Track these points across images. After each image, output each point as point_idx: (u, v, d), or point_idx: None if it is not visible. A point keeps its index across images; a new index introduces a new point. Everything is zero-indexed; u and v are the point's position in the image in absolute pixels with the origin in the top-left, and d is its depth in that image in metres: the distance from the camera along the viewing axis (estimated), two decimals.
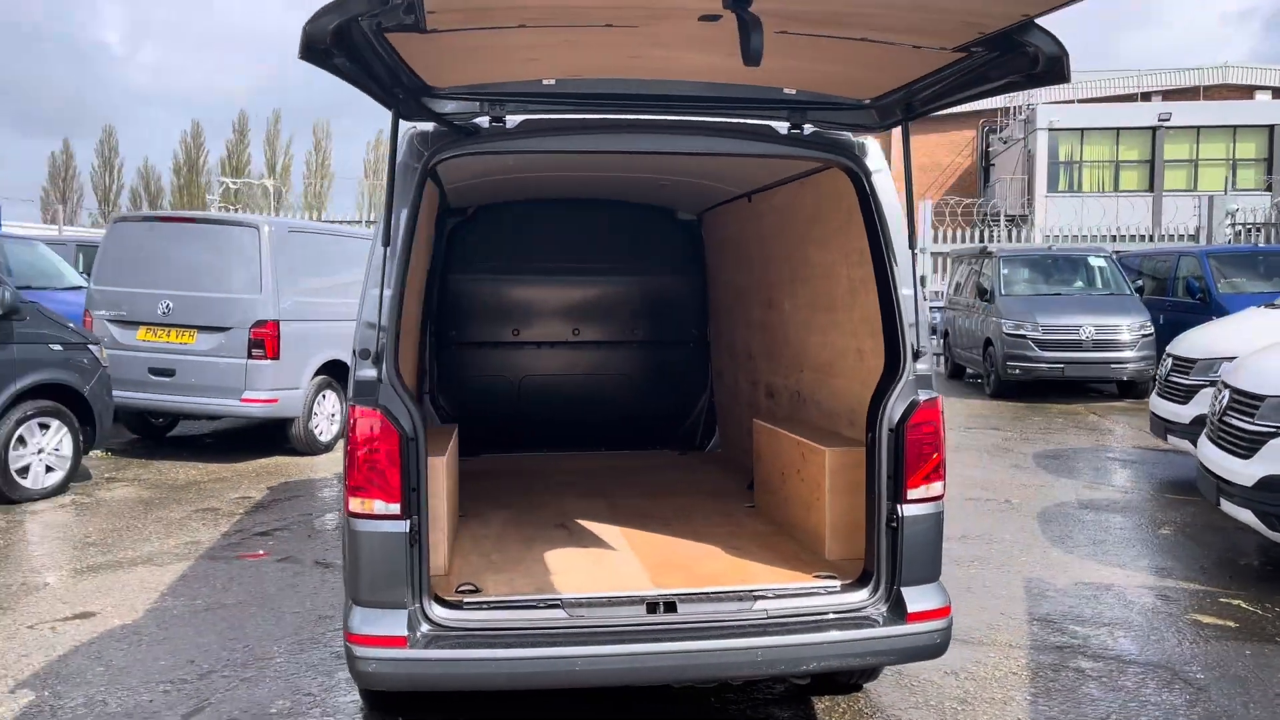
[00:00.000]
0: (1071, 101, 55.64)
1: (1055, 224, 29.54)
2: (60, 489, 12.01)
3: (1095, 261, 23.33)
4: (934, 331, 28.67)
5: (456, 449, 6.76)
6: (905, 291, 5.42)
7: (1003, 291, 22.34)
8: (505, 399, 9.77)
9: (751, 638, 5.01)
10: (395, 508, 4.90)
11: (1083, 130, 52.73)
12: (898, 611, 5.21)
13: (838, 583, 5.47)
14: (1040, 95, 56.59)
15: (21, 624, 7.60)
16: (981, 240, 27.73)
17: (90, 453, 12.92)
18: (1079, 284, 23.17)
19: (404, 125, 5.21)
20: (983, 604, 8.27)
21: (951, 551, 9.90)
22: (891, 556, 5.28)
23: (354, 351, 5.05)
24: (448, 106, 5.04)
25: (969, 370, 24.92)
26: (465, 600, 5.18)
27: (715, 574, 5.72)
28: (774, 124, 5.39)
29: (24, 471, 11.60)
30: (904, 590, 5.24)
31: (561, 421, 9.81)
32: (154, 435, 15.96)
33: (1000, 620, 7.84)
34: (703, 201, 9.09)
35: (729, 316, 9.17)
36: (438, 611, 4.98)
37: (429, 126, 5.22)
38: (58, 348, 11.87)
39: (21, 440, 11.56)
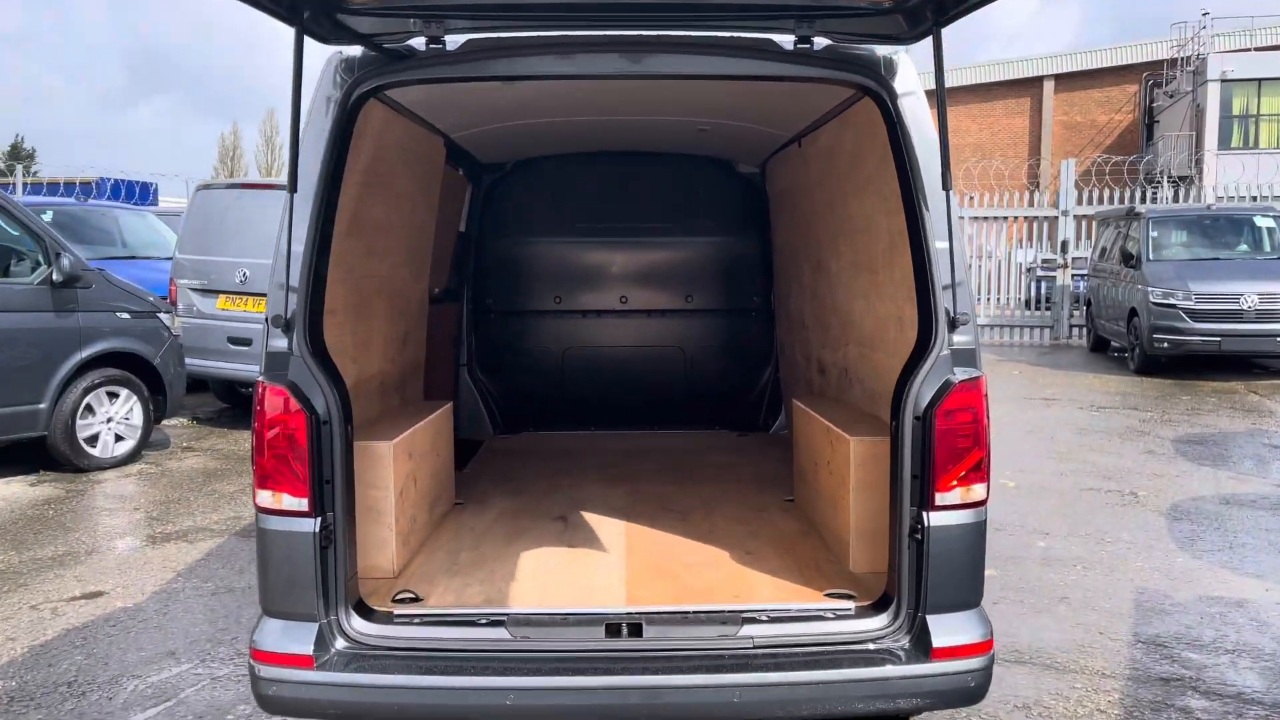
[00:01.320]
0: (1248, 49, 50.73)
1: (1226, 184, 26.62)
2: (131, 458, 11.98)
3: (1263, 222, 20.77)
4: (1076, 301, 26.37)
5: (439, 432, 6.00)
6: (939, 244, 4.30)
7: (1150, 256, 20.15)
8: (547, 373, 8.98)
9: (730, 673, 4.06)
10: (303, 503, 4.16)
11: (1260, 81, 48.04)
12: (921, 645, 4.16)
13: (852, 605, 4.45)
14: (1213, 44, 51.87)
15: (26, 603, 7.32)
16: (1142, 201, 25.23)
17: (167, 421, 12.89)
18: (1242, 247, 20.70)
19: (330, 51, 4.44)
20: (1078, 618, 7.01)
21: (1053, 550, 8.60)
22: (915, 575, 4.22)
23: (265, 319, 4.32)
24: (370, 25, 4.20)
25: (1113, 344, 22.75)
26: (396, 613, 4.41)
27: (707, 587, 4.77)
28: (777, 37, 4.34)
29: (93, 440, 11.59)
30: (929, 619, 4.17)
31: (607, 398, 8.97)
32: (242, 404, 15.98)
33: (1096, 641, 6.59)
34: (760, 151, 8.01)
35: (787, 281, 8.09)
36: (358, 626, 4.23)
37: (357, 51, 4.42)
38: (125, 316, 11.78)
39: (90, 409, 11.53)
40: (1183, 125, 50.33)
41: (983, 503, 4.30)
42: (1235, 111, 49.01)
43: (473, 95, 5.72)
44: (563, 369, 8.99)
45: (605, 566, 5.07)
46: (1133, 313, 20.20)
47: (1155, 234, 20.58)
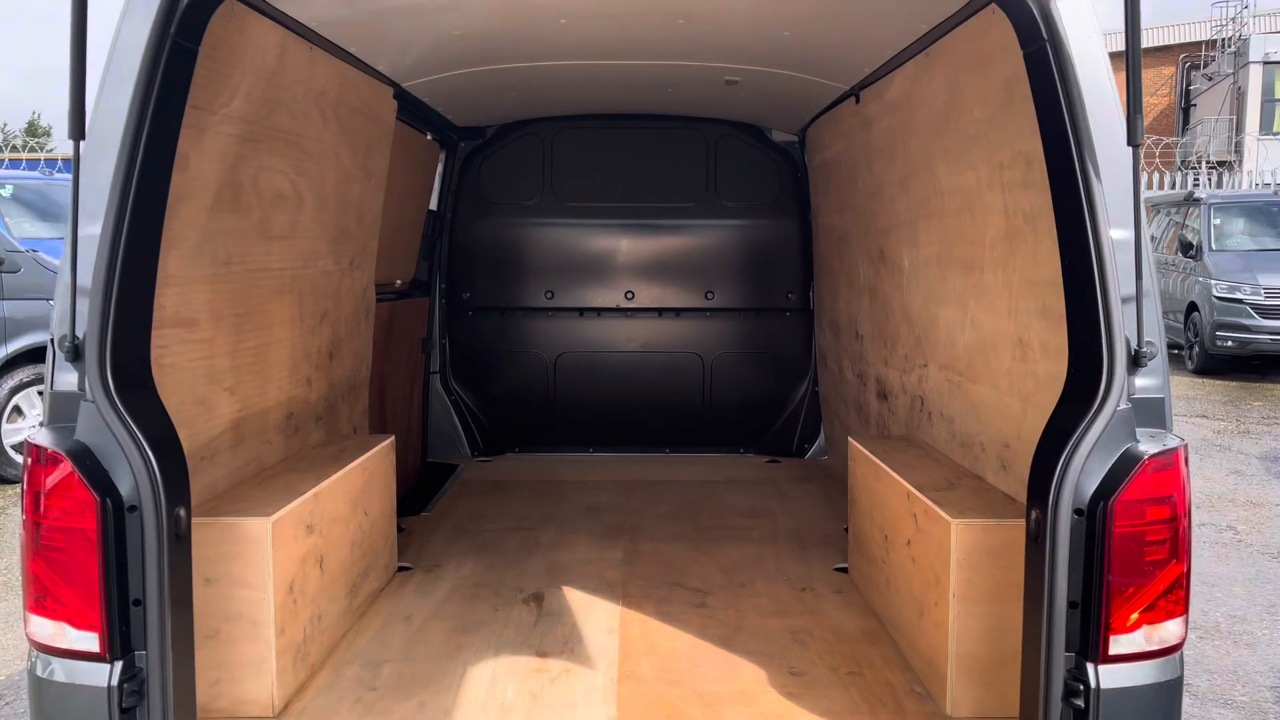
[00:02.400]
0: None
1: (1268, 169, 24.80)
2: None
3: None
4: None
5: (371, 482, 4.43)
6: (1118, 234, 2.70)
7: (1213, 246, 18.37)
8: (536, 383, 7.41)
9: None
10: (92, 638, 2.61)
11: None
12: None
13: None
14: (1256, 25, 49.76)
15: None
16: (1192, 186, 23.41)
17: None
18: None
19: None
20: (1202, 714, 5.41)
21: None
22: None
23: (50, 341, 2.76)
24: None
25: (1167, 340, 20.98)
26: None
27: None
28: None
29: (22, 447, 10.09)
30: None
31: (608, 414, 7.39)
32: None
33: None
34: (801, 110, 6.39)
35: (834, 276, 6.47)
36: None
37: None
38: None
39: (19, 411, 10.04)
40: (1222, 109, 48.30)
41: (1178, 647, 2.72)
42: (1278, 95, 47.00)
43: (416, 20, 4.14)
44: (555, 379, 7.41)
45: (587, 700, 3.50)
46: (1191, 308, 18.45)
47: (1218, 221, 18.80)
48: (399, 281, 6.76)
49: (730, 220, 7.29)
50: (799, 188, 7.22)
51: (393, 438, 4.78)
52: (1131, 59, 2.56)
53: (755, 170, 7.26)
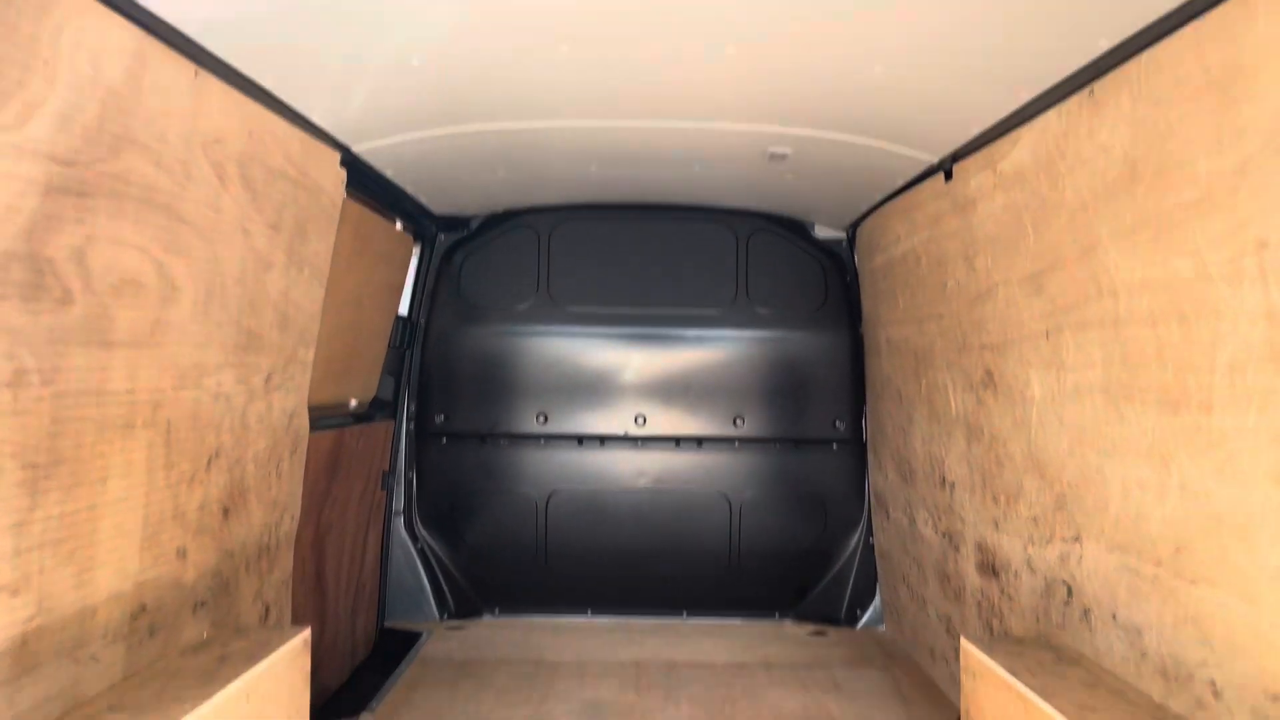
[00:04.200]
0: None
1: None
2: None
3: None
4: None
5: (265, 709, 2.95)
6: None
7: None
8: (522, 526, 5.98)
9: None
10: None
11: None
12: None
13: None
14: None
15: None
16: None
17: None
18: None
19: None
20: None
21: None
22: None
23: None
24: None
25: None
26: None
27: None
28: None
29: None
30: None
31: (611, 567, 5.95)
32: None
33: None
34: (858, 197, 5.16)
35: (903, 404, 5.10)
36: None
37: None
38: None
39: None
40: None
41: None
42: None
43: (357, 37, 2.89)
44: (546, 522, 5.98)
45: None
46: None
47: None
48: (353, 402, 5.40)
49: (764, 331, 5.98)
50: (848, 293, 5.94)
51: (307, 632, 3.33)
52: None
53: (795, 272, 5.99)
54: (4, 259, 2.13)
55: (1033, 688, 2.79)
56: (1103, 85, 2.79)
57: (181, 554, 3.06)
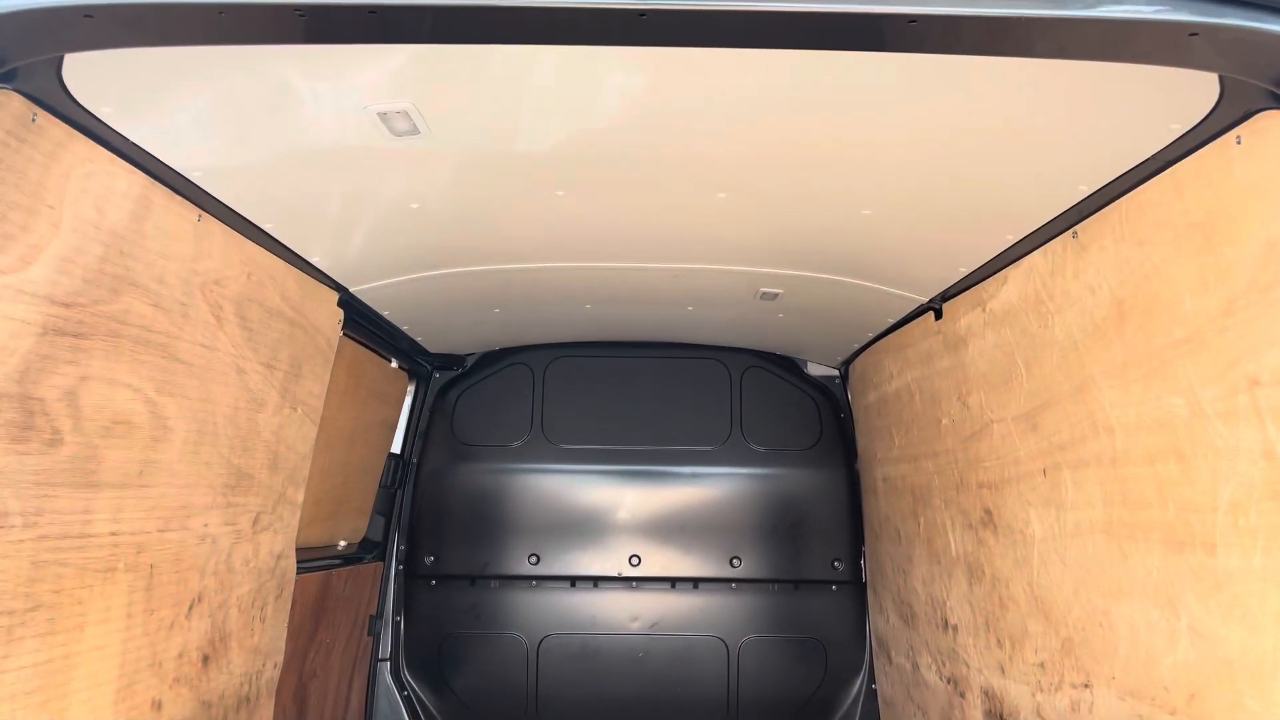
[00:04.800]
0: None
1: None
2: None
3: None
4: None
5: None
6: None
7: None
8: (513, 672, 5.78)
9: None
10: None
11: None
12: None
13: None
14: None
15: None
16: None
17: None
18: None
19: None
20: None
21: None
22: None
23: None
24: None
25: None
26: None
27: None
28: None
29: None
30: None
31: (606, 714, 5.72)
32: None
33: None
34: (850, 335, 5.22)
35: (902, 544, 5.03)
36: None
37: None
38: None
39: None
40: None
41: None
42: None
43: (354, 184, 2.97)
44: (537, 668, 5.78)
45: None
46: None
47: None
48: (342, 543, 5.31)
49: (759, 469, 5.94)
50: (842, 431, 5.93)
51: None
52: None
53: (789, 409, 5.99)
54: None
55: None
56: (1085, 228, 2.86)
57: (156, 706, 2.94)
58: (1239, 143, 2.13)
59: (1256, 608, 2.26)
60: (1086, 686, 3.09)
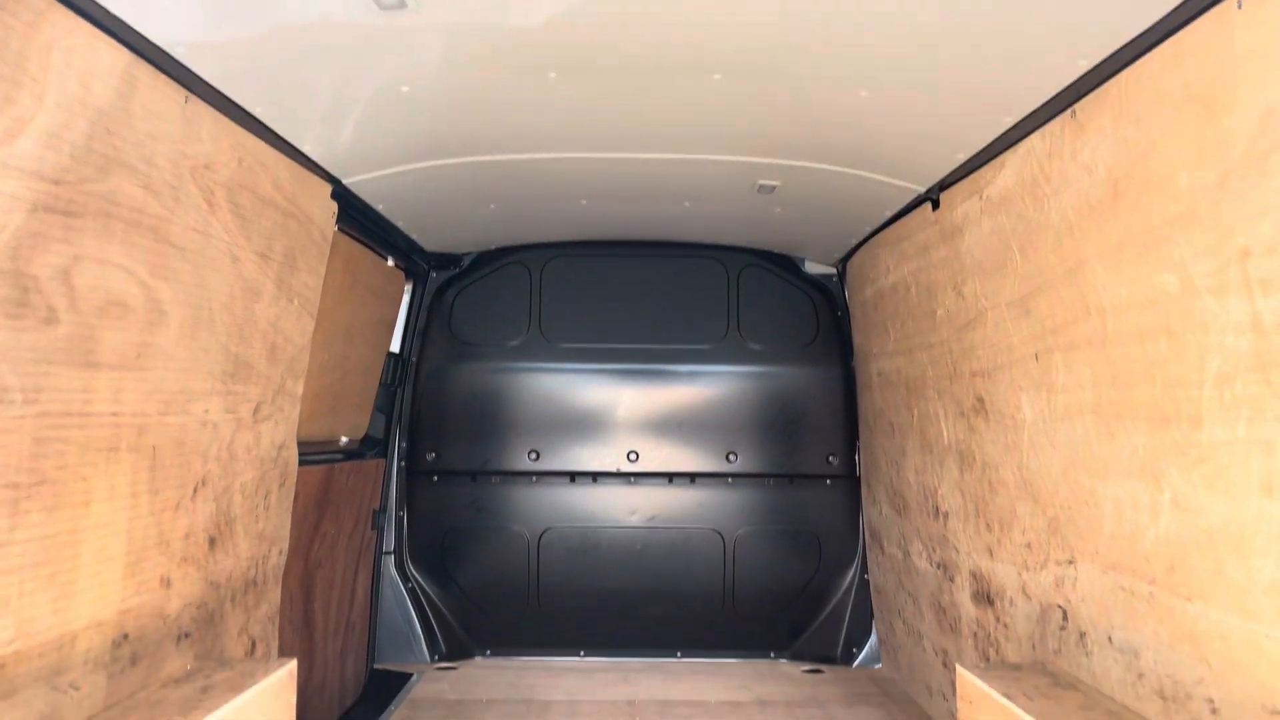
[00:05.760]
0: None
1: None
2: None
3: None
4: None
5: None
6: None
7: None
8: (514, 565, 5.91)
9: None
10: None
11: None
12: None
13: None
14: None
15: None
16: None
17: None
18: None
19: None
20: None
21: None
22: None
23: None
24: None
25: None
26: None
27: None
28: None
29: None
30: None
31: (604, 606, 5.88)
32: None
33: None
34: (847, 230, 5.19)
35: (895, 435, 5.09)
36: None
37: None
38: None
39: None
40: None
41: None
42: None
43: (344, 64, 2.92)
44: (538, 561, 5.92)
45: None
46: None
47: None
48: (344, 439, 5.37)
49: (756, 366, 5.98)
50: (839, 328, 5.95)
51: (293, 664, 3.27)
52: None
53: (786, 307, 6.01)
54: None
55: (1030, 712, 2.74)
56: (1084, 106, 2.82)
57: (165, 583, 3.02)
58: (1240, 7, 2.09)
59: (1239, 478, 2.30)
60: (1070, 563, 3.17)
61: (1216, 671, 2.40)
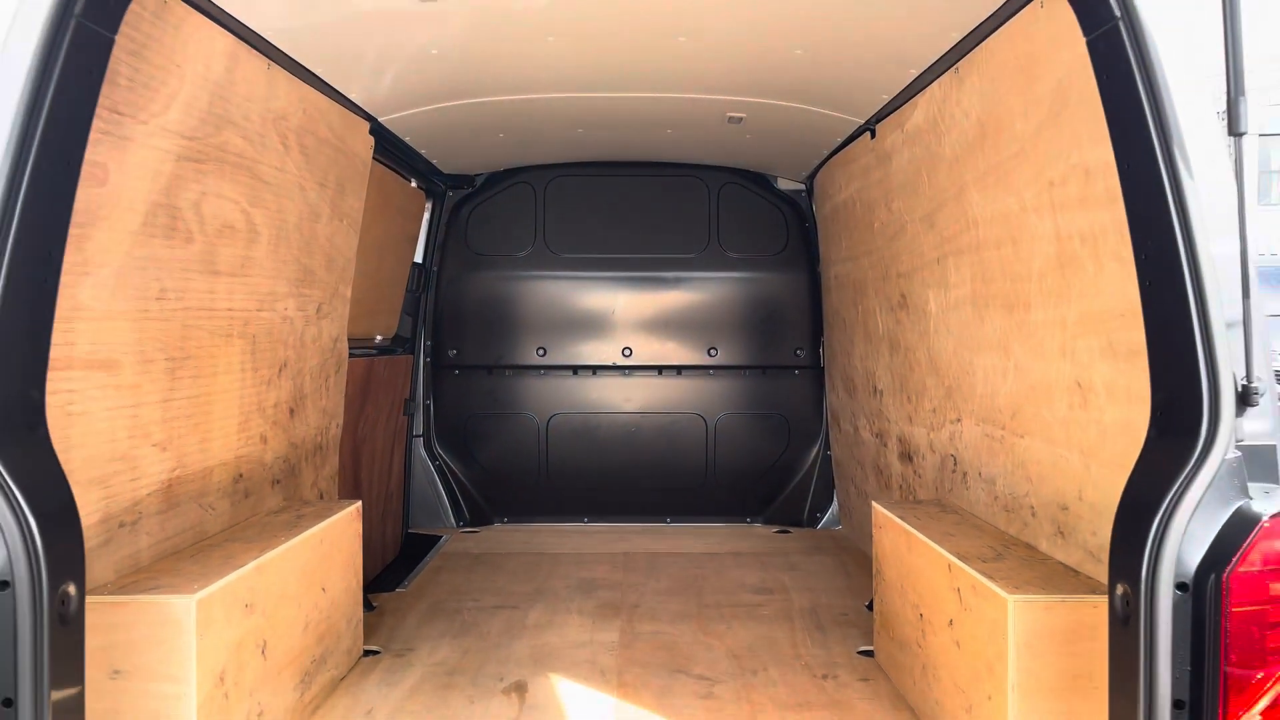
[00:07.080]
0: None
1: None
2: None
3: None
4: None
5: (331, 554, 3.88)
6: (1222, 247, 2.24)
7: None
8: (526, 446, 6.89)
9: None
10: None
11: None
12: None
13: None
14: None
15: None
16: None
17: None
18: None
19: None
20: None
21: None
22: None
23: None
24: None
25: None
26: None
27: None
28: None
29: None
30: None
31: (605, 480, 6.86)
32: None
33: None
34: (809, 153, 6.00)
35: (847, 330, 6.00)
36: None
37: None
38: None
39: None
40: None
41: None
42: None
43: (386, 37, 3.73)
44: (546, 442, 6.90)
45: None
46: None
47: None
48: (379, 337, 6.29)
49: (734, 273, 6.85)
50: (807, 238, 6.81)
51: (359, 504, 4.25)
52: (1230, 30, 2.12)
53: (760, 220, 6.85)
54: (153, 208, 3.00)
55: (915, 527, 3.70)
56: (963, 65, 3.63)
57: (263, 440, 3.97)
58: (1042, 6, 2.90)
59: (1048, 346, 3.20)
60: (958, 421, 4.10)
61: (1034, 485, 3.34)
